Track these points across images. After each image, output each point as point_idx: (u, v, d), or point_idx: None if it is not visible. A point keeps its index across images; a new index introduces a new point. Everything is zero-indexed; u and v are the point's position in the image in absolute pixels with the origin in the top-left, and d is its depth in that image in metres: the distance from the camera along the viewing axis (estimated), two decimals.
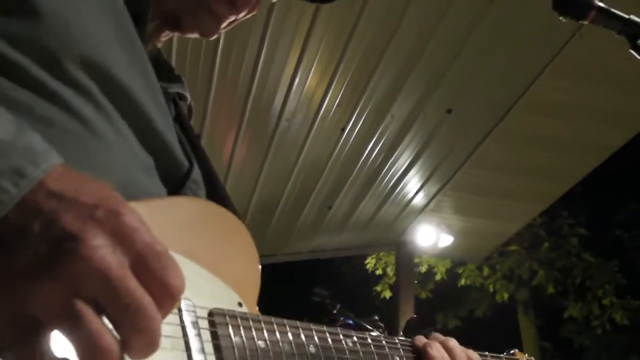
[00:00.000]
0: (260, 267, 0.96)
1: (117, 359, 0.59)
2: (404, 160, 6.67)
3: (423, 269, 12.88)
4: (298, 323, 0.94)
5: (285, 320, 0.93)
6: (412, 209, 7.70)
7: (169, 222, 0.86)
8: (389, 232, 8.20)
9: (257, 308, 0.92)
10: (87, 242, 0.61)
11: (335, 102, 5.58)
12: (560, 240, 13.82)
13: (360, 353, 1.02)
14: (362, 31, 4.87)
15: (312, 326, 0.96)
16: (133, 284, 0.61)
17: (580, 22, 1.34)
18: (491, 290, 13.92)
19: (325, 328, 0.98)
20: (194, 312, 0.80)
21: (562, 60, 5.12)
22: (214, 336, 0.81)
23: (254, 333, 0.85)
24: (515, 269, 13.73)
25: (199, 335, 0.79)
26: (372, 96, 5.59)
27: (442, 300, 15.00)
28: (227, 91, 5.22)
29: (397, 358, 1.11)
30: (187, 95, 1.23)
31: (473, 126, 6.22)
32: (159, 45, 1.21)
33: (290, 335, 0.91)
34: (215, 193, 1.11)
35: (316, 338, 0.95)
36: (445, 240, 8.21)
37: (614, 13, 1.35)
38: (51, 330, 0.60)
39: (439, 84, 5.56)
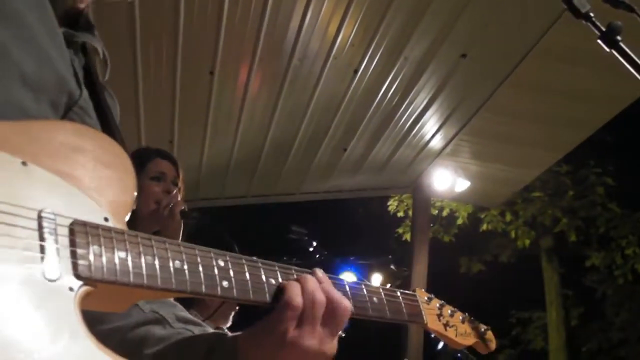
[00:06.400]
0: (135, 193, 1.03)
1: None
2: (419, 103, 6.67)
3: (445, 212, 12.93)
4: (166, 240, 1.01)
5: (153, 237, 0.99)
6: (429, 152, 7.71)
7: (47, 142, 0.95)
8: (406, 174, 8.23)
9: (125, 226, 0.99)
10: None
11: (347, 42, 5.58)
12: (585, 190, 13.72)
13: (230, 271, 1.07)
14: None
15: (182, 245, 1.02)
16: None
17: None
18: (513, 236, 13.93)
19: (196, 248, 1.04)
20: (54, 220, 0.87)
21: None
22: (72, 243, 0.88)
23: (114, 244, 0.92)
24: (538, 216, 13.70)
25: (56, 241, 0.86)
26: (385, 37, 5.57)
27: (465, 245, 15.06)
28: (238, 28, 5.23)
29: (272, 280, 1.14)
30: (98, 46, 1.32)
31: (488, 72, 6.18)
32: (82, 5, 1.29)
33: (154, 250, 0.97)
34: (106, 125, 1.20)
35: (183, 255, 1.01)
36: (462, 184, 8.21)
37: None
38: None
39: (453, 28, 5.52)
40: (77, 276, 0.86)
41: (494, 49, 5.80)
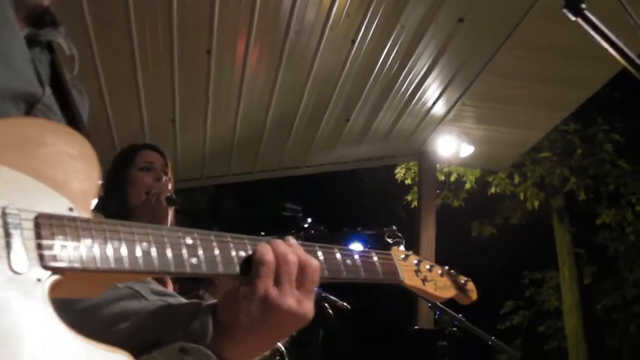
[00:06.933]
0: (99, 181, 1.06)
1: None
2: (419, 71, 6.65)
3: (452, 177, 12.90)
4: (133, 224, 1.03)
5: (119, 222, 1.01)
6: (432, 119, 7.71)
7: (9, 139, 0.98)
8: (410, 142, 8.24)
9: (91, 214, 1.02)
10: None
11: (343, 12, 5.55)
12: (594, 147, 13.64)
13: (199, 248, 1.09)
14: None
15: (149, 228, 1.04)
16: None
17: None
18: (522, 197, 13.90)
19: (163, 228, 1.07)
20: (18, 215, 0.90)
21: None
22: (38, 236, 0.91)
23: (80, 233, 0.95)
24: (546, 177, 13.65)
25: (22, 235, 0.89)
26: (380, 5, 5.54)
27: (476, 209, 15.05)
28: (232, 4, 5.21)
29: (242, 253, 1.16)
30: (62, 43, 1.34)
31: (486, 35, 6.15)
32: (45, 2, 1.31)
33: (120, 234, 0.99)
34: (71, 119, 1.23)
35: (150, 237, 1.03)
36: (467, 149, 8.21)
37: None
38: None
39: None
40: (45, 267, 0.89)
41: (491, 12, 5.77)
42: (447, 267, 1.73)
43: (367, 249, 1.43)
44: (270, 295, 1.13)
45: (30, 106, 1.15)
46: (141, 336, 1.19)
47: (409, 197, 13.27)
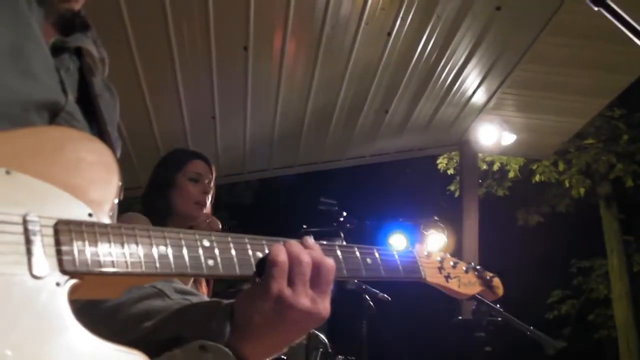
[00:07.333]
0: (119, 184, 1.09)
1: None
2: (457, 60, 6.61)
3: (495, 166, 12.75)
4: (150, 228, 1.06)
5: (136, 226, 1.04)
6: (472, 108, 7.66)
7: (32, 148, 1.02)
8: (451, 132, 8.20)
9: (109, 220, 1.05)
10: None
11: (377, 6, 5.55)
12: None
13: (216, 250, 1.12)
14: None
15: (166, 231, 1.07)
16: None
17: None
18: (567, 185, 13.68)
19: (180, 232, 1.09)
20: (38, 222, 0.94)
21: None
22: (57, 242, 0.94)
23: (97, 238, 0.98)
24: (592, 164, 13.41)
25: (42, 241, 0.93)
26: None
27: (521, 197, 14.88)
28: (267, 0, 5.26)
29: (259, 254, 1.17)
30: (91, 48, 1.35)
31: (525, 22, 6.08)
32: (77, 7, 1.33)
33: (137, 238, 1.03)
34: (97, 126, 1.26)
35: (167, 240, 1.06)
36: (508, 138, 8.13)
37: None
38: None
39: None
40: (63, 271, 0.92)
41: None
42: (472, 263, 1.73)
43: (388, 248, 1.45)
44: (284, 295, 1.14)
45: (53, 114, 1.18)
46: (163, 334, 1.22)
47: (451, 187, 13.19)
